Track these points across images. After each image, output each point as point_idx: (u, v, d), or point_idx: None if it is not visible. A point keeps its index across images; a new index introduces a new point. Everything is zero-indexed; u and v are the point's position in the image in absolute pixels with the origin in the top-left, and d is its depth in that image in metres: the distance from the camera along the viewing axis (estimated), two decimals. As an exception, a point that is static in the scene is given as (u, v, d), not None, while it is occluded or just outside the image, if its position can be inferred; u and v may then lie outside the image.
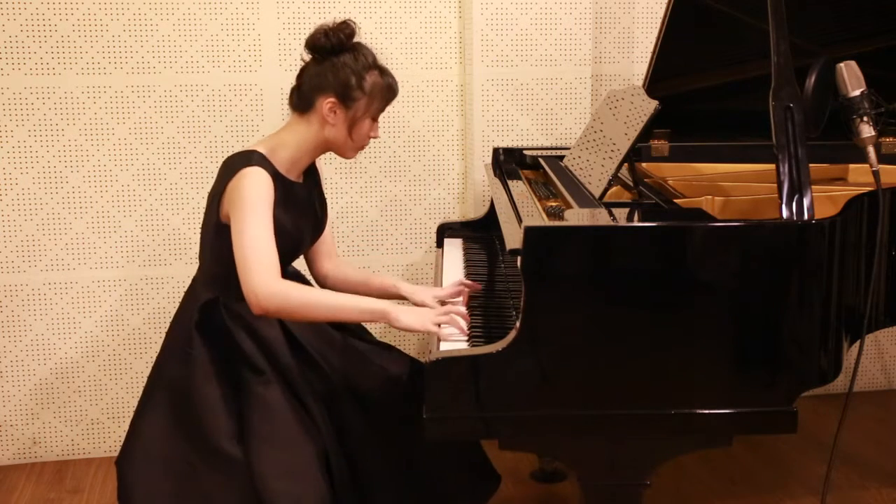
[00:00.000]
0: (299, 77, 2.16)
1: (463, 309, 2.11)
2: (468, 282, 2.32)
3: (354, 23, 2.12)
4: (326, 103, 2.10)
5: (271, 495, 2.00)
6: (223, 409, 2.06)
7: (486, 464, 2.40)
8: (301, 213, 2.20)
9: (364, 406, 2.22)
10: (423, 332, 2.07)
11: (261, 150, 2.12)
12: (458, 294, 2.27)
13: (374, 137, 2.19)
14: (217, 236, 2.12)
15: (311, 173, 2.28)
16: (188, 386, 2.09)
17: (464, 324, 2.03)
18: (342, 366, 2.22)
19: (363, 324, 2.37)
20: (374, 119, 2.16)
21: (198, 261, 2.27)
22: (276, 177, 2.10)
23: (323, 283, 2.41)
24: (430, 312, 2.06)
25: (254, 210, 2.01)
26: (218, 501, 2.03)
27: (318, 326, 2.22)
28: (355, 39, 2.13)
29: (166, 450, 2.07)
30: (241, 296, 2.01)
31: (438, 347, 1.97)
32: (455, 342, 1.98)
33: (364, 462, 2.19)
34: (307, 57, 2.15)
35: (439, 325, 2.03)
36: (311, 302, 2.02)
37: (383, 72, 2.14)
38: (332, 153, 2.22)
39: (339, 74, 2.08)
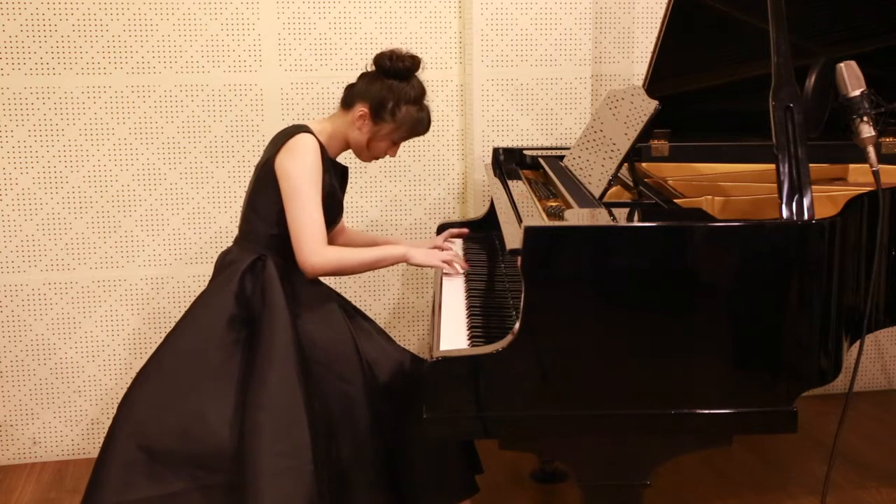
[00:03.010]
0: (358, 78, 2.41)
1: (460, 254, 2.55)
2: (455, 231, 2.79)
3: (421, 60, 2.39)
4: (360, 110, 2.36)
5: (263, 492, 2.04)
6: (228, 351, 2.22)
7: (469, 469, 2.40)
8: (337, 186, 2.44)
9: (372, 390, 2.28)
10: (433, 267, 2.47)
11: (309, 126, 2.38)
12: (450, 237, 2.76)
13: (391, 156, 2.48)
14: (272, 198, 2.29)
15: (340, 167, 2.48)
16: (211, 321, 2.26)
17: (462, 264, 2.46)
18: (365, 347, 2.33)
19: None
20: (396, 143, 2.43)
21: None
22: (322, 149, 2.33)
23: None
24: (438, 252, 2.48)
25: (307, 181, 2.25)
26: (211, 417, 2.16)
27: (350, 310, 2.42)
28: (416, 74, 2.39)
29: (175, 366, 2.24)
30: (289, 254, 2.28)
31: (439, 346, 1.97)
32: (455, 278, 2.41)
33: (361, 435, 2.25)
34: (371, 67, 2.40)
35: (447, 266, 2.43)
36: (354, 262, 2.34)
37: (421, 109, 2.39)
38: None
39: (382, 94, 2.34)
